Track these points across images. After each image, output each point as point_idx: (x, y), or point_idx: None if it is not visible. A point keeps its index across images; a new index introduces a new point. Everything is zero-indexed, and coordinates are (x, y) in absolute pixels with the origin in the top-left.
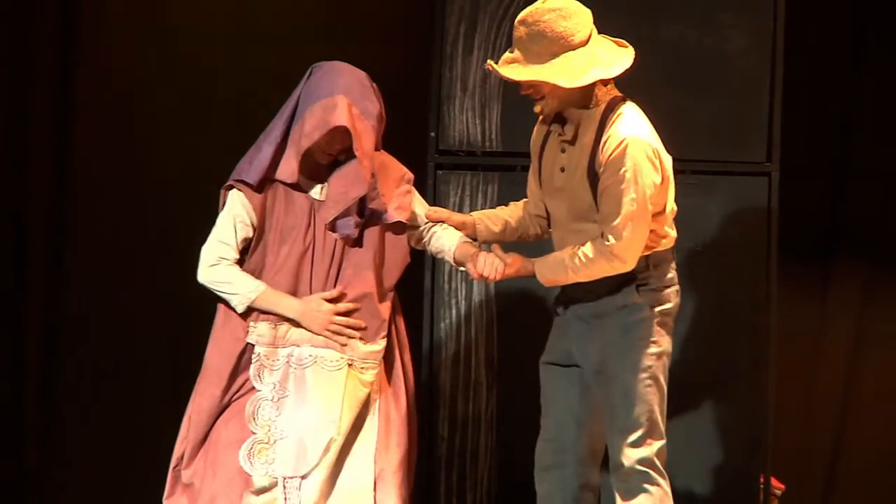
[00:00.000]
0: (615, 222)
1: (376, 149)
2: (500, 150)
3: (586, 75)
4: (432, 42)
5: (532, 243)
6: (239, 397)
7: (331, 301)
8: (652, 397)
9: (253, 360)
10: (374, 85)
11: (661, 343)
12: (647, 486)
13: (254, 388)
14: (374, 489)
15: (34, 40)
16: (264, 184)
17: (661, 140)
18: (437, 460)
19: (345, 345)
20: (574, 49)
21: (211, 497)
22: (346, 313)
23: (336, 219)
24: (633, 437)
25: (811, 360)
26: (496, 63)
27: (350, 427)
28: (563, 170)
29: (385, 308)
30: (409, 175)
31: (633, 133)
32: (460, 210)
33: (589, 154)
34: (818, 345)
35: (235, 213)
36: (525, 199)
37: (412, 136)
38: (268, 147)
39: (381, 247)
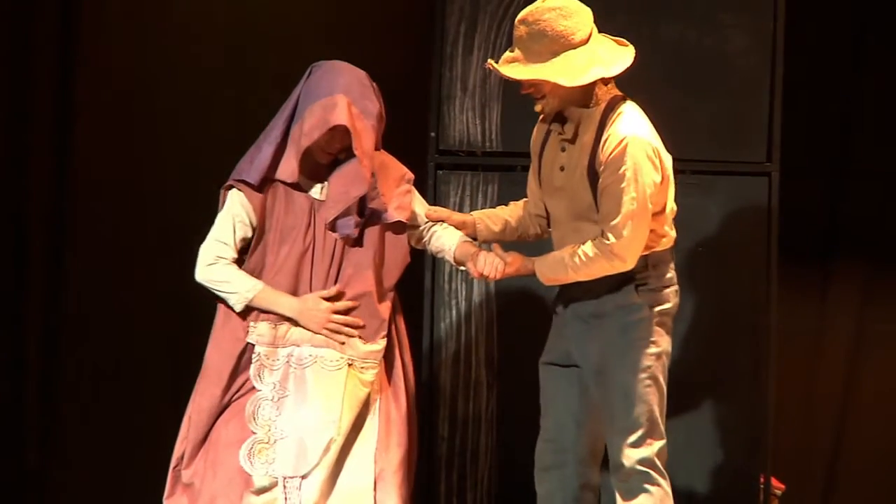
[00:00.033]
0: (615, 221)
1: (376, 148)
2: (501, 150)
3: (587, 74)
4: (432, 42)
5: (532, 243)
6: (239, 397)
7: (329, 299)
8: (651, 397)
9: (253, 360)
10: (374, 84)
11: (661, 343)
12: (647, 486)
13: (254, 387)
14: (375, 489)
15: (34, 40)
16: (265, 183)
17: (661, 140)
18: (437, 460)
19: (343, 343)
20: (574, 48)
21: (211, 497)
22: (345, 312)
23: (336, 218)
24: (633, 438)
25: (811, 360)
26: (496, 62)
27: (350, 427)
28: (562, 169)
29: (385, 308)
30: (409, 175)
31: (634, 132)
32: (460, 210)
33: (589, 153)
34: (818, 345)
35: (234, 212)
36: (525, 199)
37: (412, 136)
38: (268, 147)
39: (381, 246)
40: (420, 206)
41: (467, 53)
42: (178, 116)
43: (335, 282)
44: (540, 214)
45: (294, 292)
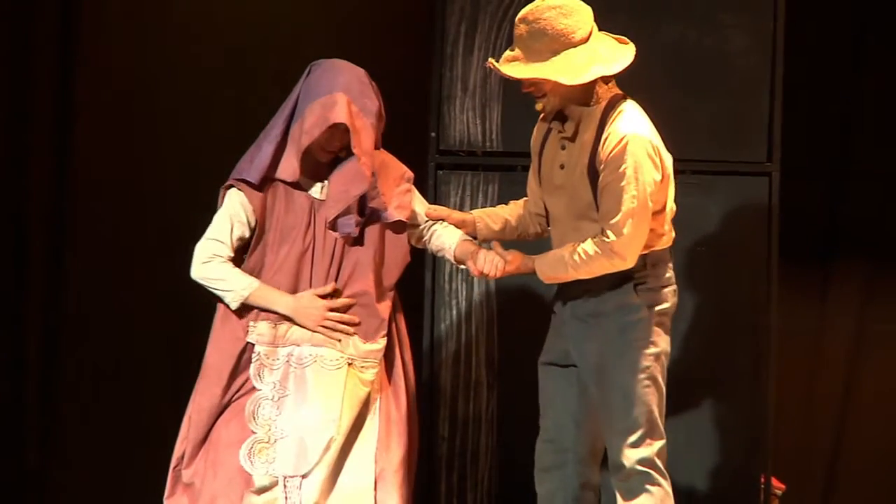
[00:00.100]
0: (615, 219)
1: (376, 147)
2: (501, 150)
3: (587, 72)
4: (432, 42)
5: (532, 242)
6: (239, 397)
7: (324, 297)
8: (650, 398)
9: (253, 360)
10: (374, 83)
11: (659, 343)
12: (648, 486)
13: (254, 387)
14: (375, 488)
15: (34, 40)
16: (265, 183)
17: (662, 139)
18: (437, 460)
19: (339, 340)
20: (575, 46)
21: (212, 497)
22: (341, 309)
23: (337, 217)
24: (632, 438)
25: (811, 360)
26: (497, 61)
27: (350, 426)
28: (562, 167)
29: (385, 307)
30: (409, 174)
31: (634, 130)
32: (461, 210)
33: (589, 151)
34: (818, 345)
35: (233, 212)
36: (525, 198)
37: (412, 136)
38: (268, 146)
39: (382, 246)
40: (420, 205)
41: (468, 53)
42: (178, 116)
43: (335, 282)
44: (540, 213)
45: (294, 292)
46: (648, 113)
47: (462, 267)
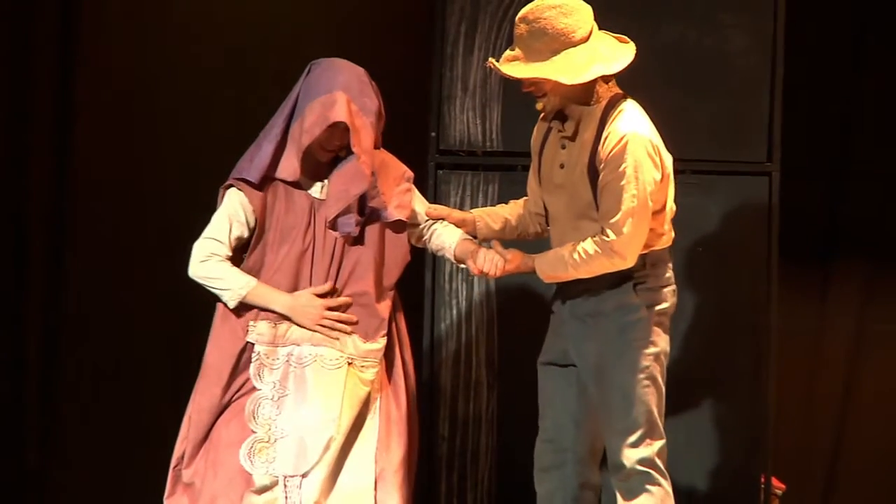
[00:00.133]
0: (615, 218)
1: (376, 146)
2: (501, 149)
3: (588, 72)
4: (432, 42)
5: (532, 241)
6: (239, 397)
7: (323, 296)
8: (650, 398)
9: (253, 359)
10: (373, 82)
11: (659, 343)
12: (648, 486)
13: (254, 387)
14: (375, 488)
15: (34, 40)
16: (265, 182)
17: (662, 139)
18: (437, 460)
19: (337, 339)
20: (575, 46)
21: (212, 496)
22: (340, 308)
23: (337, 217)
24: (632, 438)
25: (811, 360)
26: (497, 61)
27: (350, 426)
28: (562, 166)
29: (385, 307)
30: (409, 173)
31: (634, 129)
32: (461, 210)
33: (589, 150)
34: (818, 345)
35: (232, 211)
36: (525, 198)
37: (412, 136)
38: (268, 145)
39: (382, 245)
40: (420, 204)
41: (468, 53)
42: (178, 116)
43: (335, 281)
44: (540, 213)
45: (294, 291)
46: (648, 113)
47: (462, 266)
